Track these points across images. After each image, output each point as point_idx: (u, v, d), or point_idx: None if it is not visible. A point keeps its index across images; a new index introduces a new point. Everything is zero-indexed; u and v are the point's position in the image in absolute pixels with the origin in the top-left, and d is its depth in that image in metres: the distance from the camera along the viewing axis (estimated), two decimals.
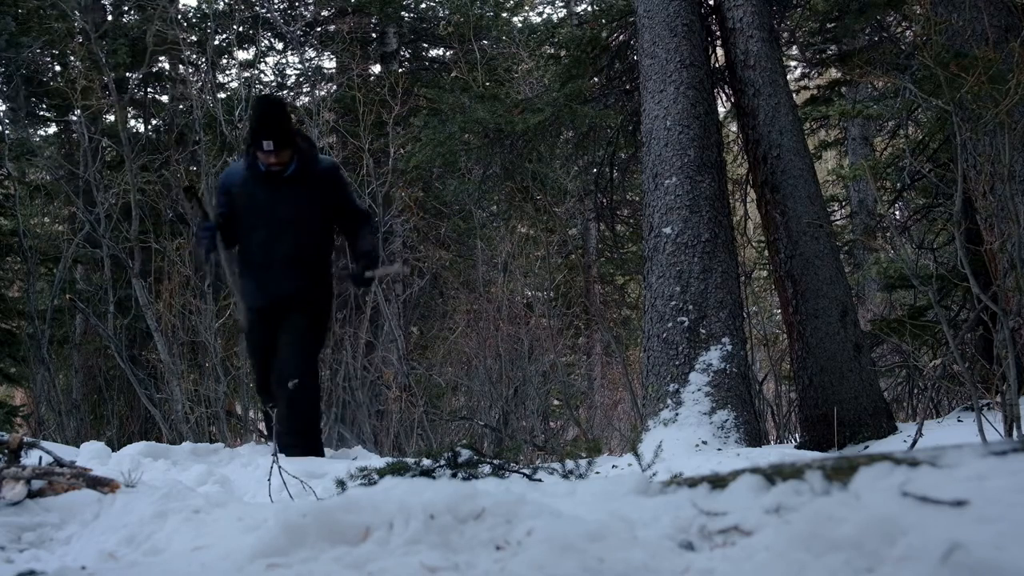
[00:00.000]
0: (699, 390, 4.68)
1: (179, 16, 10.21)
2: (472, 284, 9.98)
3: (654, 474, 2.17)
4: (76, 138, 10.31)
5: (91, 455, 3.53)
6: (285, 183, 3.95)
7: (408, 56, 13.07)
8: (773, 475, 1.28)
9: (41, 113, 11.40)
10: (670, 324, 4.85)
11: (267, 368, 4.12)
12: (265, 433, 4.03)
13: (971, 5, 5.16)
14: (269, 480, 2.61)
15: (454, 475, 2.39)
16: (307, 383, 3.98)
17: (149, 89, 11.67)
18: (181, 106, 10.51)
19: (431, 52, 13.36)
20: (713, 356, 4.74)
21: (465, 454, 2.44)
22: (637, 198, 10.55)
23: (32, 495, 2.15)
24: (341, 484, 2.42)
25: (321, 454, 3.98)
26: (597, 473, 2.51)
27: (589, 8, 12.34)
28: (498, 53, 11.93)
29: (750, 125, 5.39)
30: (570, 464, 2.39)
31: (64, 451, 3.80)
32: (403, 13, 12.31)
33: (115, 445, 5.64)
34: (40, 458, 2.44)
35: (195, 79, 9.98)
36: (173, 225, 8.84)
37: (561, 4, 14.87)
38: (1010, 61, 4.45)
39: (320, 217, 4.09)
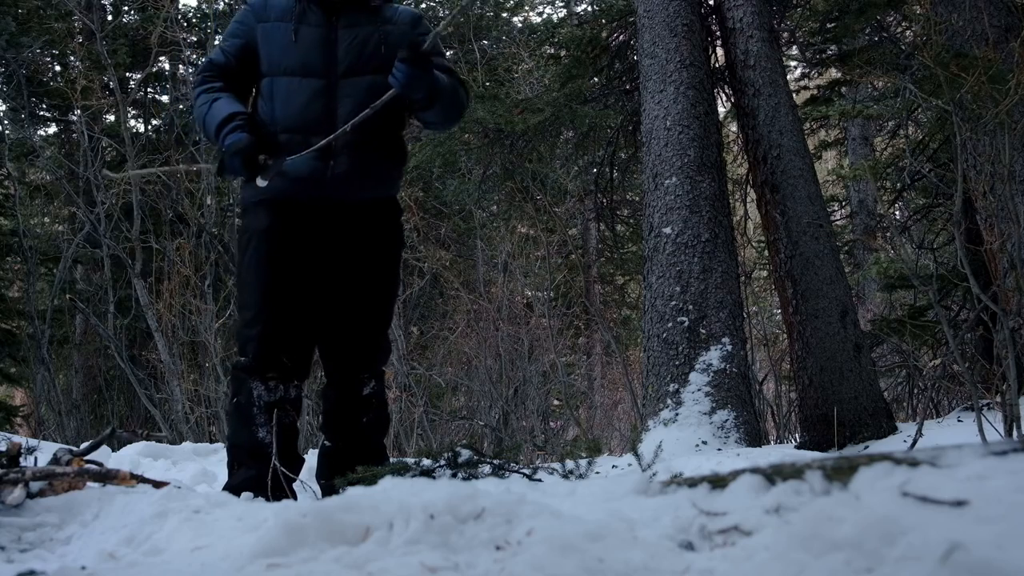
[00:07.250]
0: (699, 390, 4.68)
1: (179, 16, 10.21)
2: (472, 284, 9.98)
3: (654, 474, 2.17)
4: (76, 138, 10.32)
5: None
6: (352, 8, 2.64)
7: None
8: (773, 475, 1.28)
9: (41, 113, 11.41)
10: (670, 324, 4.85)
11: (281, 330, 2.63)
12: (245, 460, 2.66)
13: (971, 5, 5.16)
14: (270, 495, 2.61)
15: (454, 475, 2.39)
16: (381, 381, 2.86)
17: (149, 89, 11.68)
18: (181, 106, 10.52)
19: None
20: (713, 356, 4.74)
21: (465, 454, 2.43)
22: (637, 198, 10.56)
23: (32, 495, 2.15)
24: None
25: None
26: (597, 473, 2.51)
27: (589, 8, 12.36)
28: (498, 53, 11.94)
29: (750, 125, 5.39)
30: (570, 464, 2.38)
31: None
32: None
33: (115, 445, 5.65)
34: (35, 461, 2.44)
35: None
36: (173, 225, 8.85)
37: (561, 4, 14.88)
38: (1010, 61, 4.46)
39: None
